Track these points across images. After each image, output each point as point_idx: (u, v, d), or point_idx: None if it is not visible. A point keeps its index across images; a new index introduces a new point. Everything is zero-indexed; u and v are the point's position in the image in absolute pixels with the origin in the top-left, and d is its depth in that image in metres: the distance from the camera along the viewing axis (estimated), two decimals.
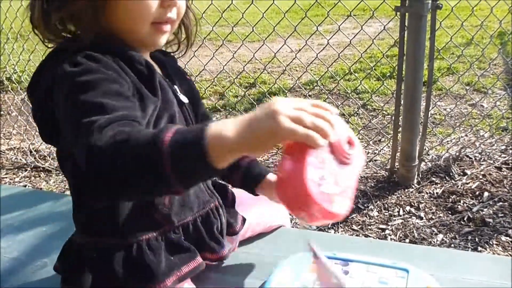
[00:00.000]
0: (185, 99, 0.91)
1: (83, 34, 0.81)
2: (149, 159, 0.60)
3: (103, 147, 0.61)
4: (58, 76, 0.74)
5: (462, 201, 1.96)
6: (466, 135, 2.55)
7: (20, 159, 2.70)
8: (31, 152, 2.74)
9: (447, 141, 2.47)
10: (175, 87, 0.91)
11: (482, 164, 2.22)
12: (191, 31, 0.97)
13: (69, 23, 0.83)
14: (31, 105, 0.85)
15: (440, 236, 1.77)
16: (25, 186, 2.45)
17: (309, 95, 3.26)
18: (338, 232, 1.85)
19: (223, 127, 0.60)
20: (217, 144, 0.59)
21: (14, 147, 2.88)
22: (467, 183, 2.09)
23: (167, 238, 0.87)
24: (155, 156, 0.59)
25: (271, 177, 1.02)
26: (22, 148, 2.83)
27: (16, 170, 2.64)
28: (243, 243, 1.11)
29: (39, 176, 2.55)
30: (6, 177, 2.57)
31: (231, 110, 3.21)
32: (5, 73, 3.71)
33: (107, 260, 0.83)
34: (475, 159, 2.27)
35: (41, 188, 2.41)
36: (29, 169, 2.62)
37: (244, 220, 1.06)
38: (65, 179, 2.44)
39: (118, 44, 0.81)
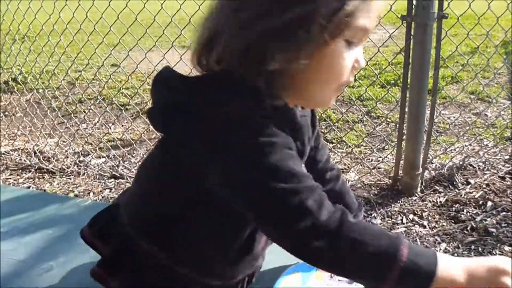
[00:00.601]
0: (308, 151, 0.93)
1: (258, 81, 0.74)
2: (379, 269, 0.69)
3: (334, 237, 0.70)
4: (226, 123, 0.72)
5: (465, 210, 1.96)
6: (470, 144, 2.55)
7: (24, 160, 2.71)
8: (35, 153, 2.75)
9: (451, 149, 2.47)
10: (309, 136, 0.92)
11: (486, 174, 2.22)
12: None
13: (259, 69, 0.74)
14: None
15: (443, 245, 1.77)
16: (29, 187, 2.46)
17: None
18: None
19: (454, 270, 0.68)
20: (442, 282, 0.68)
21: (19, 148, 2.89)
22: (470, 192, 2.09)
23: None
24: (386, 269, 0.68)
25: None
26: (27, 149, 2.84)
27: (20, 171, 2.64)
28: None
29: (43, 177, 2.56)
30: (10, 178, 2.57)
31: None
32: (11, 74, 3.73)
33: None
34: (479, 168, 2.27)
35: (45, 190, 2.41)
36: (33, 170, 2.63)
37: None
38: (69, 181, 2.45)
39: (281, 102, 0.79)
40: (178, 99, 0.76)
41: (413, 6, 1.82)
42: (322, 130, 2.94)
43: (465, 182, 2.17)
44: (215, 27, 0.75)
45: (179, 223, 0.85)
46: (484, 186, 2.13)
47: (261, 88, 0.73)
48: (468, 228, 1.85)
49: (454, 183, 2.15)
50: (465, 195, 2.07)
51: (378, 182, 2.22)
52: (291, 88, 0.75)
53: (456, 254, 1.72)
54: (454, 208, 1.99)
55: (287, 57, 0.70)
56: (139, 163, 1.12)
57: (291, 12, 0.68)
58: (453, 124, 2.84)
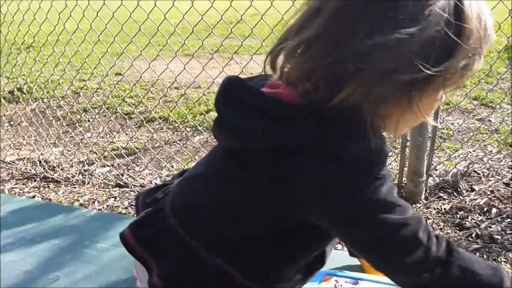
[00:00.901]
0: None
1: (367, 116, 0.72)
2: None
3: (446, 266, 0.74)
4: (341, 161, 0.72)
5: (470, 217, 1.96)
6: (474, 151, 2.55)
7: (30, 170, 2.72)
8: (40, 162, 2.77)
9: (455, 156, 2.47)
10: None
11: (490, 180, 2.22)
12: None
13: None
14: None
15: None
16: (34, 196, 2.47)
17: None
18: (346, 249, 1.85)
19: None
20: None
21: (24, 158, 2.90)
22: (475, 199, 2.08)
23: None
24: None
25: None
26: (32, 158, 2.86)
27: (26, 180, 2.66)
28: None
29: (48, 186, 2.57)
30: (16, 187, 2.59)
31: None
32: (16, 84, 3.75)
33: None
34: (483, 174, 2.27)
35: (50, 199, 2.43)
36: (38, 179, 2.64)
37: None
38: (74, 190, 2.47)
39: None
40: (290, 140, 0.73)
41: None
42: None
43: (469, 189, 2.17)
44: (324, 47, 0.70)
45: (257, 243, 0.86)
46: (489, 192, 2.13)
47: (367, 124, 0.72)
48: (473, 235, 1.85)
49: (459, 190, 2.15)
50: (469, 202, 2.07)
51: None
52: (384, 124, 0.77)
53: None
54: (458, 215, 1.99)
55: (406, 101, 0.71)
56: (193, 165, 1.05)
57: (436, 65, 0.67)
58: (457, 130, 2.84)
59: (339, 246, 1.85)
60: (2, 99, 3.67)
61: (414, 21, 0.65)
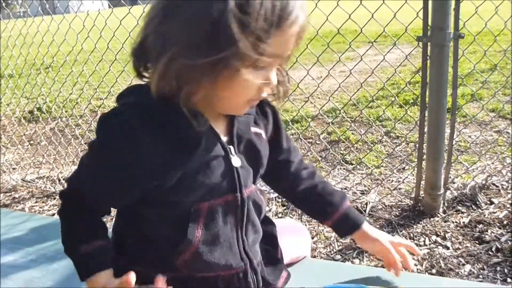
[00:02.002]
0: (237, 162, 0.91)
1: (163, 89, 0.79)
2: None
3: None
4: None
5: (489, 231, 1.93)
6: (493, 163, 2.52)
7: (49, 188, 2.77)
8: (59, 180, 2.81)
9: (473, 169, 2.44)
10: (231, 149, 0.91)
11: (510, 193, 2.19)
12: (286, 87, 0.97)
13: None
14: None
15: (468, 267, 1.74)
16: (53, 214, 2.51)
17: (332, 123, 3.28)
18: (363, 262, 1.84)
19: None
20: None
21: (44, 176, 2.96)
22: (494, 212, 2.06)
23: (181, 282, 0.91)
24: None
25: (366, 226, 1.11)
26: (51, 176, 2.91)
27: (45, 198, 2.71)
28: None
29: None
30: (36, 205, 2.63)
31: None
32: (36, 104, 3.83)
33: None
34: (502, 187, 2.24)
35: None
36: (57, 197, 2.68)
37: (288, 276, 1.07)
38: None
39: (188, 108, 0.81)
40: None
41: (429, 27, 1.84)
42: (341, 152, 2.94)
43: (488, 202, 2.14)
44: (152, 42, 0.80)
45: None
46: (508, 205, 2.10)
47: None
48: (493, 249, 1.82)
49: (477, 203, 2.12)
50: (488, 215, 2.04)
51: (399, 203, 2.21)
52: (204, 102, 0.82)
53: (481, 276, 1.69)
54: (478, 229, 1.96)
55: (202, 84, 0.77)
56: None
57: (212, 54, 0.72)
58: (474, 142, 2.81)
59: (357, 261, 1.84)
60: (22, 119, 3.75)
61: (198, 8, 0.72)
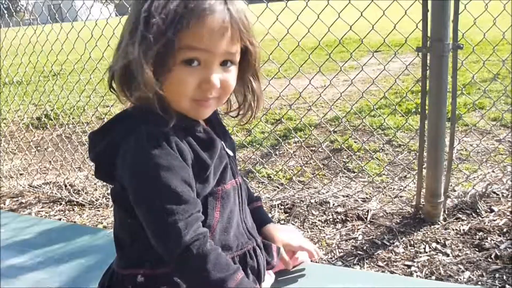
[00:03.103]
0: (230, 153, 1.03)
1: (152, 105, 0.87)
2: None
3: (184, 255, 0.84)
4: (129, 147, 0.87)
5: (489, 238, 1.96)
6: (493, 171, 2.55)
7: (56, 193, 2.81)
8: (65, 186, 2.85)
9: (474, 177, 2.47)
10: (223, 142, 1.01)
11: (510, 201, 2.21)
12: (254, 106, 1.04)
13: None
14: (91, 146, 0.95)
15: (467, 274, 1.77)
16: (59, 219, 2.55)
17: (335, 131, 3.32)
18: (364, 268, 1.86)
19: None
20: None
21: (50, 182, 3.00)
22: (494, 220, 2.08)
23: None
24: None
25: (272, 226, 1.19)
26: (58, 182, 2.96)
27: (52, 203, 2.75)
28: (276, 279, 1.15)
29: (73, 210, 2.66)
30: (42, 210, 2.68)
31: (258, 146, 3.28)
32: (44, 111, 3.89)
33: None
34: (502, 195, 2.27)
35: (74, 222, 2.50)
36: (63, 203, 2.73)
37: (278, 249, 1.14)
38: (98, 213, 2.54)
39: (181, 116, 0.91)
40: None
41: (428, 38, 1.88)
42: (343, 159, 2.98)
43: (488, 210, 2.16)
44: None
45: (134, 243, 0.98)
46: (508, 213, 2.12)
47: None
48: (492, 256, 1.84)
49: (477, 210, 2.15)
50: (488, 222, 2.07)
51: (400, 211, 2.24)
52: (166, 104, 0.88)
53: (480, 283, 1.71)
54: (477, 236, 1.99)
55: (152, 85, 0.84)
56: None
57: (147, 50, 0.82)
58: (475, 151, 2.84)
59: (357, 267, 1.87)
60: (30, 125, 3.81)
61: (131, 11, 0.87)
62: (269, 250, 1.11)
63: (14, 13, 3.57)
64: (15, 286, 1.23)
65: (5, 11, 3.37)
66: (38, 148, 3.66)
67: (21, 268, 1.32)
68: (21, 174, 3.16)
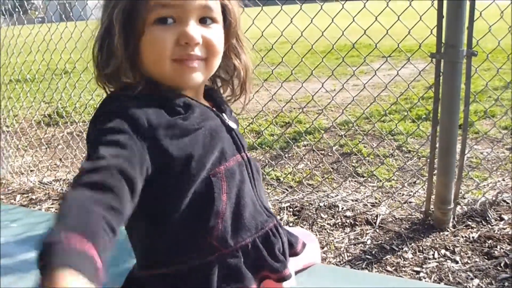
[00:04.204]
0: (233, 125, 0.97)
1: (131, 82, 0.88)
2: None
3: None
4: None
5: (499, 247, 1.95)
6: (503, 180, 2.53)
7: (66, 190, 2.83)
8: None
9: (484, 185, 2.46)
10: (224, 115, 0.97)
11: None
12: (242, 76, 1.00)
13: (119, 75, 0.89)
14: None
15: (476, 281, 1.76)
16: None
17: (345, 136, 3.31)
18: (372, 272, 1.86)
19: None
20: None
21: (60, 179, 3.03)
22: (504, 228, 2.07)
23: (224, 263, 0.90)
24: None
25: None
26: (68, 179, 2.98)
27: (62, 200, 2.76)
28: None
29: None
30: (52, 207, 2.69)
31: (268, 148, 3.29)
32: (56, 108, 3.92)
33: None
34: None
35: None
36: None
37: (304, 244, 1.09)
38: None
39: (162, 88, 0.88)
40: None
41: (442, 44, 1.88)
42: (353, 164, 2.97)
43: (498, 218, 2.15)
44: None
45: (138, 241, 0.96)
46: None
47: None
48: (502, 264, 1.84)
49: (487, 218, 2.14)
50: (498, 231, 2.06)
51: (409, 216, 2.23)
52: (142, 70, 0.88)
53: None
54: (487, 244, 1.98)
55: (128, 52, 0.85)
56: None
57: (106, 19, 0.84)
58: (486, 159, 2.83)
59: (366, 271, 1.87)
60: (41, 122, 3.84)
61: None
62: (294, 236, 1.07)
63: (28, 11, 3.61)
64: (28, 281, 1.24)
65: (20, 8, 3.40)
66: (49, 145, 3.69)
67: (34, 262, 1.33)
68: (31, 171, 3.18)
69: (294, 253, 1.05)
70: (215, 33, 0.89)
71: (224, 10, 0.91)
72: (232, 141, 0.94)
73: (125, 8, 0.82)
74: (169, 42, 0.83)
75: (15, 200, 2.81)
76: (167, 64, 0.85)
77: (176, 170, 0.83)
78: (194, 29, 0.84)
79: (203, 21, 0.86)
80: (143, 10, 0.82)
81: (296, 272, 1.18)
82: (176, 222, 0.86)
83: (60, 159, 3.26)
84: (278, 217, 2.15)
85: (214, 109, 0.96)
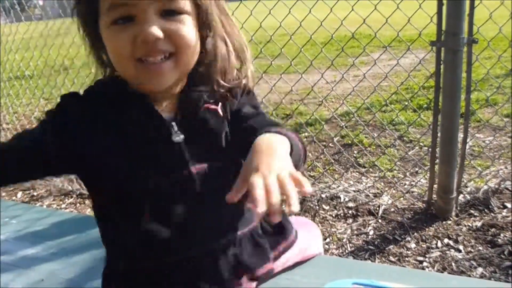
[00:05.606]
0: (179, 138, 0.87)
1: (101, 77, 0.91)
2: None
3: None
4: None
5: (502, 235, 1.94)
6: (506, 167, 2.52)
7: (67, 186, 2.83)
8: (76, 179, 2.87)
9: (486, 173, 2.45)
10: (173, 125, 0.87)
11: None
12: (220, 69, 0.90)
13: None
14: None
15: (480, 270, 1.75)
16: (71, 212, 2.56)
17: (346, 126, 3.30)
18: (375, 263, 1.86)
19: None
20: None
21: None
22: (507, 216, 2.06)
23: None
24: None
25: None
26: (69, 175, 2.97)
27: (63, 196, 2.77)
28: (281, 271, 1.14)
29: (84, 202, 2.67)
30: (54, 203, 2.69)
31: None
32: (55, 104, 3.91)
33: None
34: None
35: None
36: (74, 196, 2.74)
37: (272, 271, 1.01)
38: None
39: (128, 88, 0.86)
40: None
41: (442, 32, 1.86)
42: (354, 155, 2.96)
43: (501, 206, 2.14)
44: None
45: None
46: None
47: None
48: (505, 252, 1.83)
49: (490, 207, 2.13)
50: (501, 219, 2.05)
51: (412, 206, 2.22)
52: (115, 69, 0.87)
53: (493, 279, 1.70)
54: (490, 233, 1.97)
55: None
56: None
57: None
58: (488, 147, 2.81)
59: (369, 262, 1.86)
60: (41, 118, 3.82)
61: None
62: (260, 259, 0.97)
63: (27, 8, 3.59)
64: (29, 277, 1.24)
65: (17, 6, 3.39)
66: None
67: (35, 259, 1.33)
68: None
69: (250, 277, 0.95)
70: (182, 24, 0.80)
71: None
72: (171, 155, 0.86)
73: (82, 12, 0.84)
74: (126, 40, 0.78)
75: (16, 197, 2.81)
76: (130, 65, 0.80)
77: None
78: (151, 25, 0.77)
79: (166, 13, 0.79)
80: (98, 13, 0.80)
81: (298, 264, 1.18)
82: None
83: None
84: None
85: (169, 114, 0.89)
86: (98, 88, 0.89)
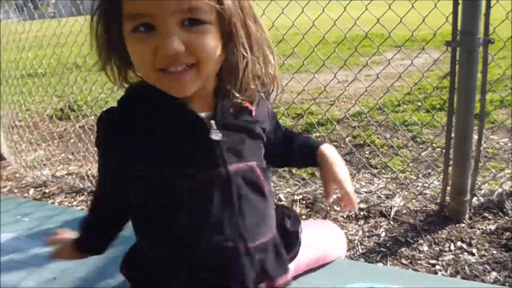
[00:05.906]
0: (216, 136, 0.88)
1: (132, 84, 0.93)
2: None
3: None
4: None
5: None
6: None
7: (78, 184, 2.84)
8: (88, 177, 2.88)
9: (501, 175, 2.41)
10: (212, 123, 0.89)
11: None
12: (241, 79, 0.88)
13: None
14: None
15: (494, 274, 1.73)
16: (82, 209, 2.57)
17: (358, 127, 3.28)
18: (387, 266, 1.84)
19: None
20: None
21: (73, 172, 3.04)
22: None
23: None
24: None
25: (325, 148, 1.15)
26: (80, 173, 2.99)
27: (74, 194, 2.77)
28: (299, 275, 1.13)
29: None
30: (65, 201, 2.71)
31: None
32: (67, 102, 3.94)
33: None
34: None
35: None
36: (86, 193, 2.75)
37: (289, 282, 1.00)
38: None
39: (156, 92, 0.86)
40: None
41: (458, 32, 1.83)
42: (366, 155, 2.94)
43: None
44: None
45: None
46: None
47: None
48: None
49: (504, 210, 2.10)
50: None
51: (424, 208, 2.20)
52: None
53: (507, 284, 1.67)
54: (504, 236, 1.94)
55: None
56: None
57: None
58: (503, 149, 2.77)
59: (380, 264, 1.85)
60: (53, 116, 3.85)
61: None
62: (280, 270, 0.98)
63: (40, 6, 3.61)
64: (42, 275, 1.24)
65: (30, 4, 3.41)
66: (61, 139, 3.70)
67: (47, 257, 1.33)
68: (44, 165, 3.20)
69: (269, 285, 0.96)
70: (204, 36, 0.79)
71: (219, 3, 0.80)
72: (211, 152, 0.88)
73: (101, 17, 0.84)
74: (147, 52, 0.78)
75: (28, 193, 2.83)
76: (153, 74, 0.81)
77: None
78: (172, 39, 0.75)
79: (188, 23, 0.77)
80: (115, 20, 0.80)
81: (316, 269, 1.16)
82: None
83: (72, 153, 3.27)
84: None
85: (205, 113, 0.90)
86: (132, 96, 0.90)
